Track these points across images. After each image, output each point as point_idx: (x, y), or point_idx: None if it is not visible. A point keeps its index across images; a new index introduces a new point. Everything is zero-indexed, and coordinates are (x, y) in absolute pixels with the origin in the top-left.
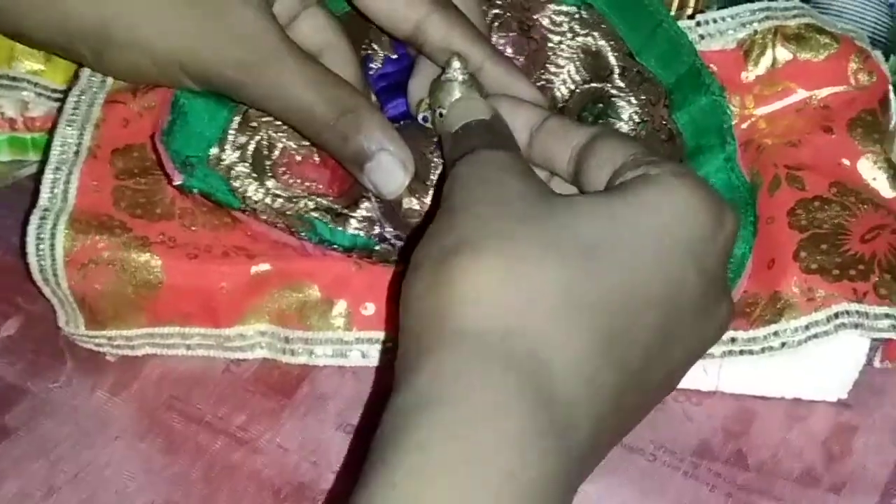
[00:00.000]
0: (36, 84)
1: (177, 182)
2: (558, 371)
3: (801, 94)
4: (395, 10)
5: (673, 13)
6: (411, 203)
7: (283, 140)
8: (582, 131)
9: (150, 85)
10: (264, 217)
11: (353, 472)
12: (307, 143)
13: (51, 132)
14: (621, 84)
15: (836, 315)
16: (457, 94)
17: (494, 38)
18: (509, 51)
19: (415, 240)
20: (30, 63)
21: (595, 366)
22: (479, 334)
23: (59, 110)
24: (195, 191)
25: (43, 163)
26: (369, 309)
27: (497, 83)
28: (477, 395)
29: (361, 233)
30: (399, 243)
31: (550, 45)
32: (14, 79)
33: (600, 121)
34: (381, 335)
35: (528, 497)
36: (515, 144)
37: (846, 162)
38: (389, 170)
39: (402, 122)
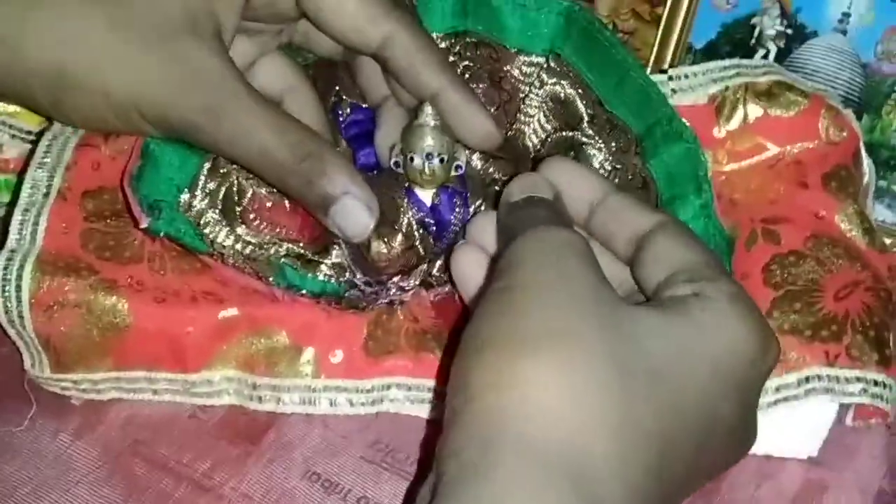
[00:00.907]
0: (10, 126)
1: (143, 225)
2: (615, 498)
3: (772, 150)
4: (358, 28)
5: (649, 70)
6: (380, 247)
7: (254, 186)
8: (645, 218)
9: (110, 132)
10: (232, 262)
11: None
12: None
13: (21, 174)
14: (591, 132)
15: (808, 379)
16: (429, 139)
17: None
18: None
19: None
20: (3, 105)
21: (641, 494)
22: (550, 450)
23: (32, 152)
24: (161, 234)
25: (12, 204)
26: (338, 356)
27: (455, 111)
28: None
29: (331, 279)
30: (368, 289)
31: (521, 95)
32: None
33: None
34: (349, 384)
35: None
36: (577, 231)
37: (823, 213)
38: (354, 213)
39: (373, 172)
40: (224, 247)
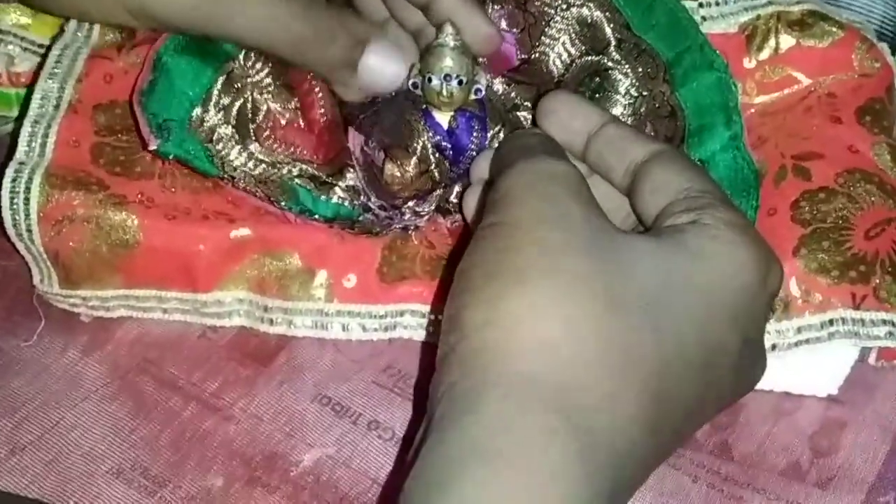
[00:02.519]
0: (22, 38)
1: (152, 147)
2: (609, 433)
3: (804, 83)
4: None
5: None
6: (393, 170)
7: (268, 102)
8: (640, 147)
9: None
10: (243, 185)
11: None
12: (292, 106)
13: (32, 87)
14: (618, 56)
15: (832, 322)
16: (448, 60)
17: (490, 11)
18: (504, 24)
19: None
20: (16, 16)
21: (638, 427)
22: (541, 384)
23: (42, 64)
24: (171, 157)
25: (22, 117)
26: (351, 280)
27: (453, 15)
28: (537, 455)
29: (345, 202)
30: (383, 213)
31: (546, 18)
32: (0, 31)
33: (597, 95)
34: (362, 308)
35: None
36: (570, 162)
37: (858, 147)
38: (385, 56)
39: (381, 98)
40: (235, 168)
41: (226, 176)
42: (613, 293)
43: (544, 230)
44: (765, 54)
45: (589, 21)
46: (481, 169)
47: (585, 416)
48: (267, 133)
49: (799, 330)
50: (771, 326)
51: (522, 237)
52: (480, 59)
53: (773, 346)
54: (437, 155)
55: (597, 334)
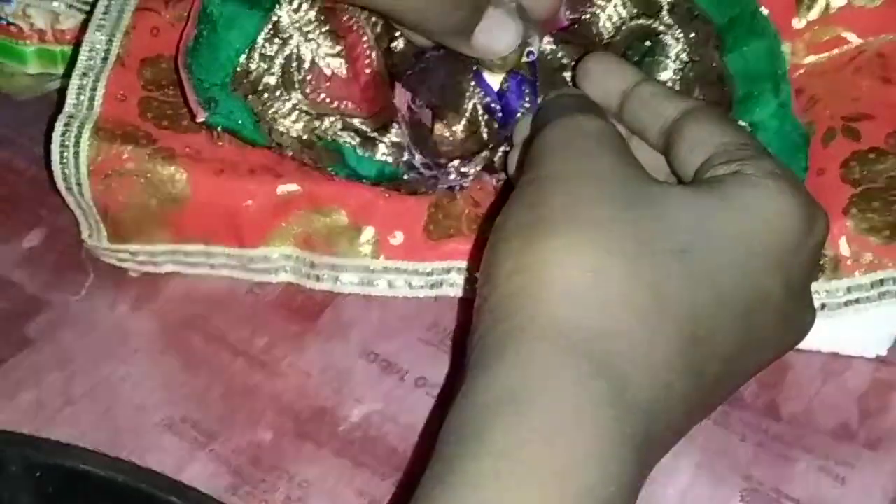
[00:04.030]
0: None
1: (200, 119)
2: (641, 378)
3: (853, 43)
4: None
5: None
6: (443, 130)
7: (313, 51)
8: (674, 104)
9: None
10: (290, 153)
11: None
12: (336, 53)
13: (79, 44)
14: (670, 21)
15: (882, 282)
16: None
17: None
18: None
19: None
20: None
21: (675, 374)
22: (570, 331)
23: (87, 19)
24: (219, 128)
25: (69, 73)
26: (398, 238)
27: None
28: (566, 399)
29: (389, 159)
30: (428, 172)
31: None
32: None
33: (646, 58)
34: (408, 265)
35: None
36: (605, 118)
37: None
38: (502, 23)
39: (439, 51)
40: (282, 134)
41: (273, 144)
42: (644, 239)
43: (574, 183)
44: (814, 14)
45: None
46: (524, 131)
47: (617, 360)
48: (312, 85)
49: (849, 290)
50: (820, 286)
51: (552, 190)
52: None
53: (823, 306)
54: (486, 117)
55: (626, 279)
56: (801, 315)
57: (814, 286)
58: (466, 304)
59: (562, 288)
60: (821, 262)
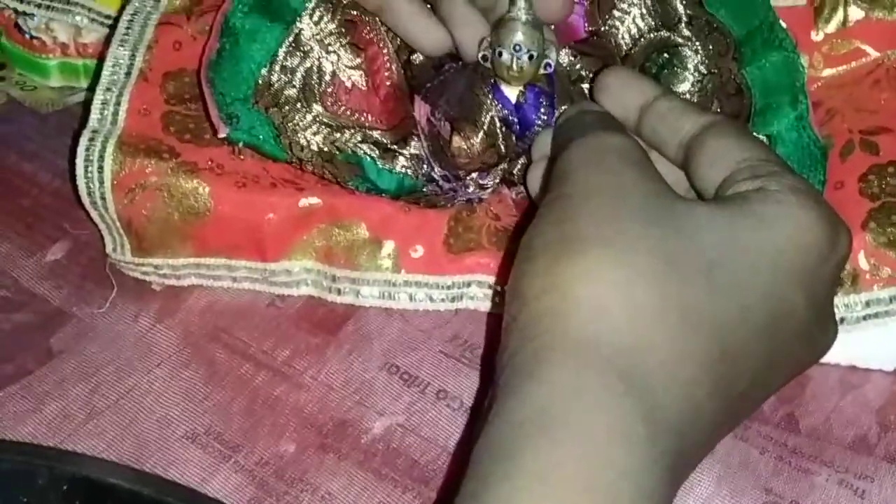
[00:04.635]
0: (90, 9)
1: (222, 135)
2: (671, 396)
3: (872, 56)
4: None
5: None
6: (460, 143)
7: (334, 63)
8: (693, 118)
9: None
10: (311, 168)
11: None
12: (356, 65)
13: (101, 57)
14: (688, 33)
15: None
16: (519, 34)
17: None
18: None
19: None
20: None
21: (703, 391)
22: (601, 348)
23: (110, 34)
24: (241, 144)
25: (92, 87)
26: (419, 251)
27: None
28: (599, 417)
29: (409, 171)
30: (447, 185)
31: None
32: (68, 2)
33: (665, 70)
34: (429, 279)
35: None
36: (626, 133)
37: None
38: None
39: (458, 63)
40: (302, 149)
41: (294, 159)
42: (671, 256)
43: (599, 200)
44: (832, 27)
45: None
46: (543, 146)
47: (647, 378)
48: (332, 98)
49: (867, 304)
50: (839, 300)
51: (578, 208)
52: (551, 33)
53: (842, 320)
54: (503, 129)
55: (654, 297)
56: (825, 330)
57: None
58: (493, 320)
59: (591, 306)
60: (839, 277)
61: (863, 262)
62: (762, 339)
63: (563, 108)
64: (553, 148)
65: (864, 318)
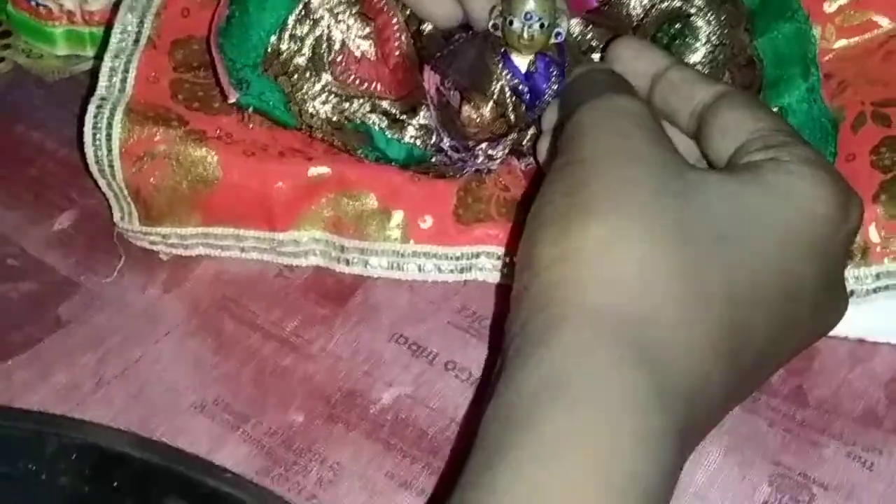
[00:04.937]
0: None
1: (232, 100)
2: (683, 366)
3: (885, 27)
4: None
5: None
6: (470, 112)
7: (343, 32)
8: (705, 89)
9: None
10: (320, 135)
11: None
12: (366, 34)
13: (108, 25)
14: (700, 3)
15: None
16: (531, 2)
17: None
18: None
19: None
20: None
21: (714, 361)
22: (614, 317)
23: (118, 1)
24: (251, 109)
25: (99, 55)
26: (427, 222)
27: None
28: (611, 386)
29: (418, 142)
30: (456, 155)
31: None
32: None
33: (676, 41)
34: (438, 250)
35: (650, 500)
36: (638, 97)
37: None
38: None
39: (468, 33)
40: (312, 116)
41: (303, 125)
42: (683, 226)
43: (612, 165)
44: None
45: None
46: (553, 117)
47: (658, 348)
48: (341, 67)
49: (878, 276)
50: (849, 272)
51: (590, 174)
52: (562, 1)
53: (852, 293)
54: (513, 98)
55: (666, 267)
56: (835, 302)
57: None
58: (502, 291)
59: (605, 276)
60: (849, 249)
61: (874, 235)
62: (773, 309)
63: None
64: (562, 108)
65: (875, 290)
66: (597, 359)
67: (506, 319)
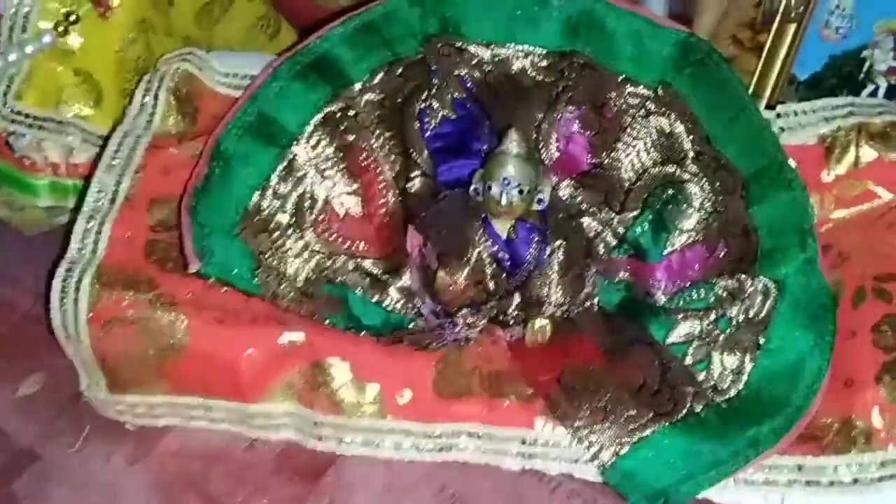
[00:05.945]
0: (83, 129)
1: (192, 269)
2: None
3: (884, 198)
4: None
5: None
6: (444, 277)
7: (328, 189)
8: None
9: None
10: (285, 304)
11: None
12: (352, 191)
13: (88, 179)
14: (695, 169)
15: None
16: (510, 167)
17: (563, 112)
18: (576, 126)
19: None
20: (78, 107)
21: None
22: None
23: (100, 155)
24: (212, 280)
25: (77, 209)
26: (405, 396)
27: None
28: None
29: (398, 305)
30: (434, 320)
31: (623, 124)
32: (60, 122)
33: (669, 206)
34: (416, 427)
35: None
36: None
37: None
38: None
39: (447, 194)
40: (280, 283)
41: (267, 295)
42: None
43: None
44: (843, 168)
45: (668, 131)
46: None
47: None
48: (324, 225)
49: (882, 464)
50: (852, 460)
51: None
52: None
53: (855, 481)
54: (493, 266)
55: None
56: None
57: (845, 460)
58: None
59: None
60: (851, 434)
61: (877, 420)
62: None
63: (556, 243)
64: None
65: (880, 479)
66: None
67: None
